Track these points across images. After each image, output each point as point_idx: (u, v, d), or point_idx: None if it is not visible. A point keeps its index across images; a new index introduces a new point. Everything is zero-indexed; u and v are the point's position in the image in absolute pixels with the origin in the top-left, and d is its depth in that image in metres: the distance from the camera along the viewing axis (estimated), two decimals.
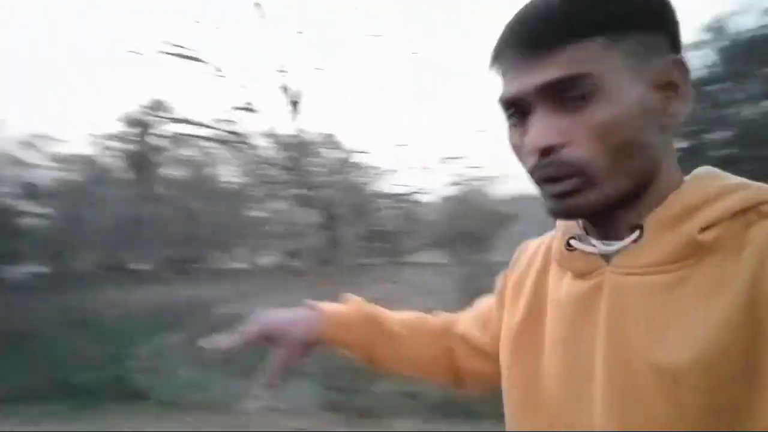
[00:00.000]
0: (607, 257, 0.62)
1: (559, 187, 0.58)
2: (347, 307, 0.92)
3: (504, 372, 0.73)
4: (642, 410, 0.55)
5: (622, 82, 0.56)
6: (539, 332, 0.69)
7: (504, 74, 0.61)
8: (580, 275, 0.65)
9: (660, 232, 0.58)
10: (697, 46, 6.70)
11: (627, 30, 0.57)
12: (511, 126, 0.63)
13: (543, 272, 0.72)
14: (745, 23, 6.78)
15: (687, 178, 0.61)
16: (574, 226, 0.68)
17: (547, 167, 0.58)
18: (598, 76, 0.56)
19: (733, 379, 0.51)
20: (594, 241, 0.64)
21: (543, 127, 0.57)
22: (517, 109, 0.61)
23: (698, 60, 6.61)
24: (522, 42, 0.58)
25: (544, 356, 0.67)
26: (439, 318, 0.96)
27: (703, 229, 0.56)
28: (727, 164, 0.97)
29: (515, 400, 0.70)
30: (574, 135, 0.57)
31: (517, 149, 0.63)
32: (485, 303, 0.89)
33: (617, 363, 0.57)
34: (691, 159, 4.55)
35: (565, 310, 0.65)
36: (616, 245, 0.61)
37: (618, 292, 0.60)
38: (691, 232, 0.56)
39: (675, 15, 0.60)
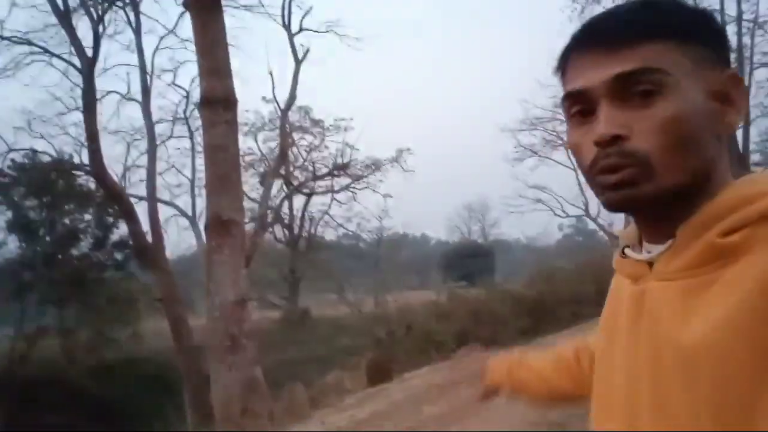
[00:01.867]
0: (652, 264, 0.66)
1: (617, 177, 0.61)
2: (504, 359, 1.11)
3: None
4: (670, 390, 0.59)
5: (687, 84, 0.61)
6: (613, 334, 0.72)
7: (575, 70, 0.66)
8: (633, 281, 0.69)
9: (689, 238, 0.61)
10: None
11: (695, 39, 0.63)
12: (573, 123, 0.67)
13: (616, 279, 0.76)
14: None
15: (735, 183, 0.63)
16: (631, 235, 0.72)
17: (610, 156, 0.62)
18: (670, 73, 0.61)
19: (742, 366, 0.54)
20: (643, 249, 0.68)
21: (610, 117, 0.62)
22: (582, 104, 0.65)
23: None
24: (600, 38, 0.64)
25: (615, 356, 0.71)
26: (572, 346, 1.01)
27: (726, 234, 0.58)
28: None
29: (596, 394, 0.74)
30: (639, 127, 0.61)
31: (577, 147, 0.67)
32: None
33: (655, 354, 0.62)
34: None
35: (624, 314, 0.69)
36: (654, 253, 0.65)
37: (654, 295, 0.64)
38: (711, 238, 0.59)
39: (726, 37, 0.66)
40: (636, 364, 0.65)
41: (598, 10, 13.68)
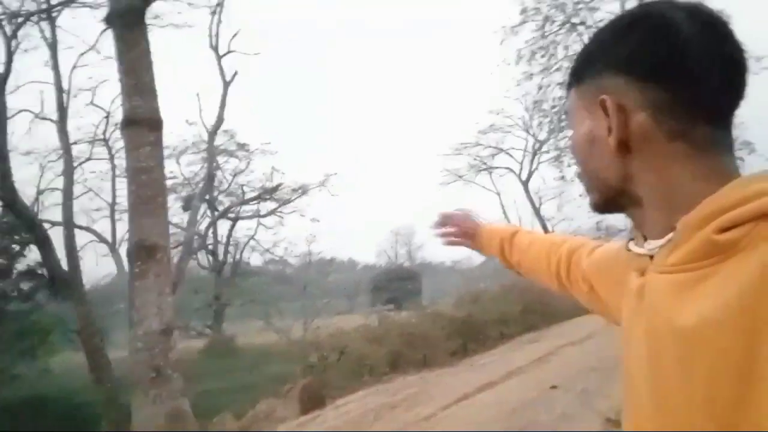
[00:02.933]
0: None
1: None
2: (502, 227, 1.31)
3: None
4: (666, 369, 0.62)
5: (578, 120, 0.75)
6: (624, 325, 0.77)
7: None
8: (638, 273, 0.73)
9: (687, 233, 0.63)
10: None
11: (584, 77, 0.74)
12: None
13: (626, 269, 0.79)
14: None
15: (734, 181, 0.64)
16: (636, 229, 0.76)
17: None
18: (570, 115, 0.77)
19: (730, 356, 0.55)
20: (644, 243, 0.72)
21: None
22: None
23: None
24: None
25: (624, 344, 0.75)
26: (567, 239, 1.14)
27: (724, 230, 0.59)
28: None
29: (624, 382, 0.76)
30: None
31: None
32: (608, 248, 0.99)
33: (650, 335, 0.66)
34: None
35: (628, 305, 0.74)
36: (654, 246, 0.69)
37: (653, 287, 0.67)
38: (708, 234, 0.60)
39: (654, 41, 0.66)
40: (635, 356, 0.68)
41: (517, 41, 14.32)
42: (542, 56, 15.50)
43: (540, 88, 16.32)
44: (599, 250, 1.01)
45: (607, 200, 0.74)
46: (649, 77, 0.66)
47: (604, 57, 0.71)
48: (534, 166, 22.49)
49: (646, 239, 0.72)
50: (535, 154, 22.31)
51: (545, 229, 21.93)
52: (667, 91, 0.65)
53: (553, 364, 7.61)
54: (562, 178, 18.72)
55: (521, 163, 22.86)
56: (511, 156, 23.15)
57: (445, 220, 1.47)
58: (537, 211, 22.31)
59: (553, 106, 16.71)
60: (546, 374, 6.92)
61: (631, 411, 0.71)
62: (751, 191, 0.60)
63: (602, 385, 5.72)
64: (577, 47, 14.41)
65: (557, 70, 15.53)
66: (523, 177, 22.66)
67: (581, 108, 0.74)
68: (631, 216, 0.73)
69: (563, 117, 16.37)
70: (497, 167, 23.45)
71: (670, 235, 0.65)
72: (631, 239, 0.75)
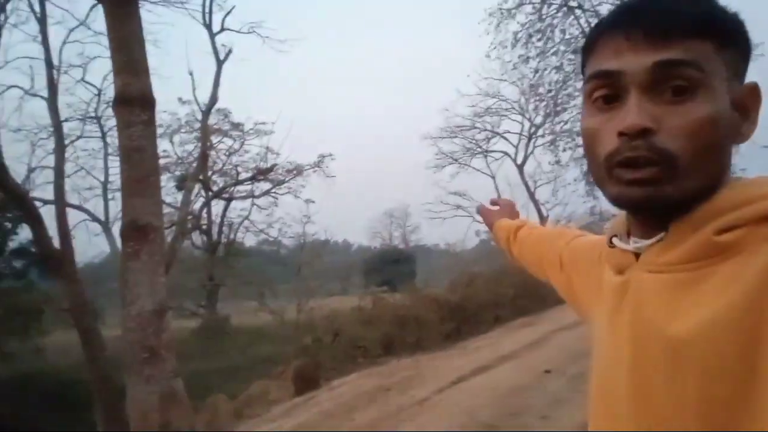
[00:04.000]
0: (638, 256, 0.66)
1: (642, 173, 0.59)
2: (512, 221, 1.29)
3: None
4: (653, 380, 0.59)
5: (719, 88, 0.60)
6: (597, 324, 0.73)
7: (608, 50, 0.63)
8: (617, 271, 0.69)
9: (683, 233, 0.61)
10: None
11: (732, 45, 0.62)
12: (594, 108, 0.65)
13: (600, 266, 0.76)
14: None
15: (731, 185, 0.63)
16: (620, 225, 0.71)
17: (637, 149, 0.59)
18: (707, 72, 0.59)
19: (731, 361, 0.54)
20: (630, 240, 0.68)
21: (641, 108, 0.59)
22: (608, 89, 0.63)
23: None
24: (642, 22, 0.61)
25: (596, 345, 0.72)
26: (562, 230, 1.11)
27: (723, 232, 0.58)
28: None
29: (590, 385, 0.73)
30: (669, 124, 0.59)
31: (594, 133, 0.64)
32: (588, 239, 0.96)
33: (637, 342, 0.62)
34: None
35: (605, 302, 0.69)
36: (643, 243, 0.64)
37: (641, 286, 0.64)
38: (708, 234, 0.59)
39: (750, 47, 0.65)
40: (615, 354, 0.65)
41: (513, 24, 14.13)
42: (539, 40, 15.34)
43: (536, 71, 16.17)
44: (579, 239, 0.98)
45: (707, 190, 0.61)
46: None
47: (745, 41, 0.64)
48: (529, 150, 22.44)
49: (629, 236, 0.68)
50: (530, 138, 22.24)
51: (540, 213, 21.96)
52: None
53: (546, 349, 7.65)
54: (557, 162, 18.65)
55: (516, 147, 22.81)
56: (506, 140, 23.09)
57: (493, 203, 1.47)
58: (532, 195, 22.28)
59: (549, 90, 16.58)
60: (539, 358, 6.96)
61: (602, 410, 0.68)
62: (751, 194, 0.59)
63: None
64: (574, 31, 14.33)
65: (554, 53, 15.39)
66: (519, 161, 22.60)
67: (722, 76, 0.60)
68: (658, 213, 0.64)
69: (559, 101, 16.28)
70: (493, 151, 23.38)
71: (662, 234, 0.63)
72: (614, 235, 0.71)
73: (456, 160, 23.22)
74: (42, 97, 12.49)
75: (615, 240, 0.70)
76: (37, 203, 11.67)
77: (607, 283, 0.71)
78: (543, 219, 21.44)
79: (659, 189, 0.59)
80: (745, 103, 0.64)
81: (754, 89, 0.64)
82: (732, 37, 0.62)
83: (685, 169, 0.59)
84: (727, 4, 0.63)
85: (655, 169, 0.59)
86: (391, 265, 29.57)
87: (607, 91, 0.63)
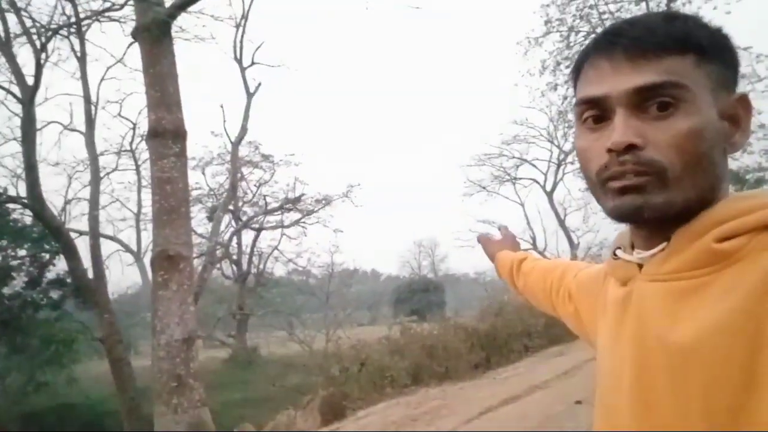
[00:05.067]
0: (642, 267, 0.67)
1: (627, 182, 0.62)
2: (514, 253, 1.30)
3: None
4: (655, 386, 0.60)
5: (704, 100, 0.62)
6: (602, 335, 0.75)
7: (593, 75, 0.66)
8: (622, 282, 0.70)
9: (684, 243, 0.62)
10: None
11: (714, 57, 0.64)
12: (584, 129, 0.68)
13: (605, 286, 0.77)
14: None
15: (730, 196, 0.64)
16: (624, 238, 0.72)
17: (625, 164, 0.61)
18: (688, 88, 0.61)
19: (733, 368, 0.54)
20: (634, 252, 0.69)
21: (626, 126, 0.61)
22: (596, 110, 0.65)
23: None
24: (623, 46, 0.63)
25: (600, 356, 0.73)
26: (566, 263, 1.10)
27: (724, 240, 0.59)
28: None
29: (597, 394, 0.73)
30: (655, 138, 0.61)
31: (586, 152, 0.67)
32: (594, 268, 0.95)
33: (639, 350, 0.63)
34: None
35: (609, 315, 0.71)
36: (646, 254, 0.66)
37: (642, 295, 0.65)
38: (708, 242, 0.60)
39: (738, 60, 0.66)
40: (618, 364, 0.66)
41: (540, 52, 14.26)
42: (567, 66, 15.35)
43: (565, 98, 16.16)
44: (585, 270, 0.98)
45: (698, 201, 0.62)
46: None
47: (732, 53, 0.66)
48: (558, 176, 22.25)
49: (633, 249, 0.69)
50: (559, 164, 22.06)
51: (570, 240, 21.65)
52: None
53: (577, 378, 7.44)
54: (587, 189, 18.42)
55: (545, 174, 22.63)
56: (535, 167, 22.94)
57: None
58: (561, 222, 22.01)
59: None
60: (570, 388, 6.77)
61: (604, 419, 0.69)
62: (751, 204, 0.60)
63: None
64: None
65: None
66: (548, 188, 22.41)
67: (707, 88, 0.62)
68: (653, 224, 0.66)
69: None
70: (521, 178, 23.25)
71: (664, 244, 0.64)
72: (618, 248, 0.72)
73: (484, 188, 23.15)
74: (80, 131, 12.95)
75: (619, 252, 0.72)
76: (73, 234, 12.01)
77: (611, 294, 0.72)
78: (574, 246, 21.12)
79: (648, 198, 0.61)
80: (735, 113, 0.65)
81: (744, 99, 0.66)
82: (712, 50, 0.64)
83: (674, 179, 0.61)
84: (713, 19, 0.66)
85: (644, 178, 0.61)
86: (420, 294, 29.35)
87: (595, 112, 0.66)
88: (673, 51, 0.61)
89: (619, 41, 0.63)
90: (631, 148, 0.61)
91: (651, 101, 0.61)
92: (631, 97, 0.62)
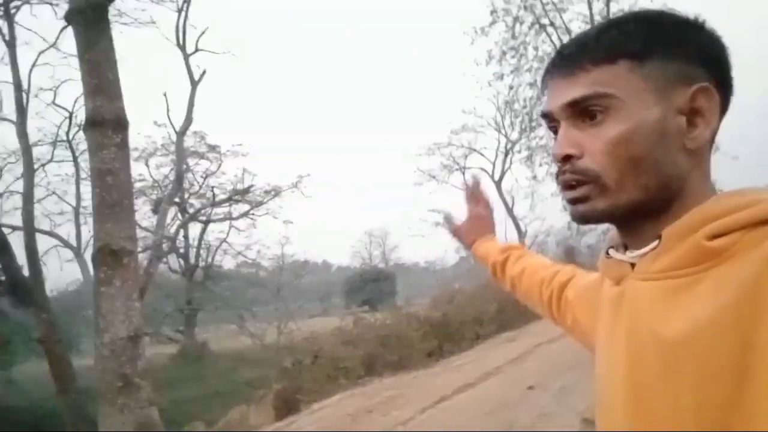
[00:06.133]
0: (634, 265, 0.68)
1: (573, 193, 0.67)
2: (493, 248, 1.26)
3: None
4: (648, 383, 0.61)
5: (641, 103, 0.64)
6: (598, 334, 0.77)
7: (547, 92, 0.72)
8: (615, 282, 0.72)
9: (674, 240, 0.62)
10: None
11: (653, 57, 0.64)
12: (552, 138, 0.73)
13: (601, 287, 0.79)
14: None
15: (719, 194, 0.65)
16: (617, 238, 0.74)
17: (566, 173, 0.67)
18: (618, 96, 0.64)
19: (724, 363, 0.55)
20: (626, 252, 0.70)
21: (563, 138, 0.67)
22: (552, 123, 0.71)
23: None
24: (557, 66, 0.69)
25: (597, 354, 0.75)
26: (558, 269, 1.09)
27: (714, 237, 0.60)
28: None
29: (596, 395, 0.75)
30: (589, 147, 0.65)
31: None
32: (591, 276, 0.96)
33: (632, 347, 0.64)
34: None
35: (604, 314, 0.73)
36: (637, 253, 0.67)
37: (634, 293, 0.66)
38: (699, 239, 0.60)
39: (716, 47, 0.66)
40: (612, 361, 0.68)
41: (487, 41, 14.45)
42: (512, 57, 15.57)
43: (511, 88, 16.40)
44: (583, 276, 1.01)
45: (649, 201, 0.65)
46: (725, 80, 0.66)
47: (689, 44, 0.65)
48: (506, 165, 22.64)
49: (626, 248, 0.71)
50: (507, 153, 22.46)
51: (518, 228, 22.11)
52: (728, 96, 0.67)
53: (529, 364, 7.61)
54: (534, 177, 18.83)
55: (494, 163, 23.00)
56: (483, 156, 23.28)
57: (477, 197, 1.45)
58: (510, 211, 22.43)
59: (524, 106, 16.81)
60: (523, 374, 6.91)
61: (601, 417, 0.71)
62: (741, 201, 0.61)
63: (579, 384, 5.71)
64: (546, 48, 14.57)
65: (528, 70, 15.64)
66: (496, 177, 22.78)
67: (645, 90, 0.64)
68: (625, 224, 0.69)
69: (534, 117, 16.51)
70: (470, 167, 23.53)
71: (655, 243, 0.65)
72: (611, 247, 0.74)
73: (434, 177, 23.34)
74: (10, 120, 12.24)
75: (611, 251, 0.73)
76: (6, 230, 11.37)
77: (605, 294, 0.74)
78: (522, 234, 21.58)
79: (591, 205, 0.66)
80: (696, 105, 0.64)
81: (705, 89, 0.64)
82: (650, 51, 0.64)
83: (614, 183, 0.64)
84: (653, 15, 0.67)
85: (585, 188, 0.66)
86: (372, 284, 29.48)
87: (552, 125, 0.72)
88: (602, 62, 0.65)
89: (557, 61, 0.69)
90: (569, 158, 0.66)
91: (584, 113, 0.66)
92: (566, 111, 0.67)
